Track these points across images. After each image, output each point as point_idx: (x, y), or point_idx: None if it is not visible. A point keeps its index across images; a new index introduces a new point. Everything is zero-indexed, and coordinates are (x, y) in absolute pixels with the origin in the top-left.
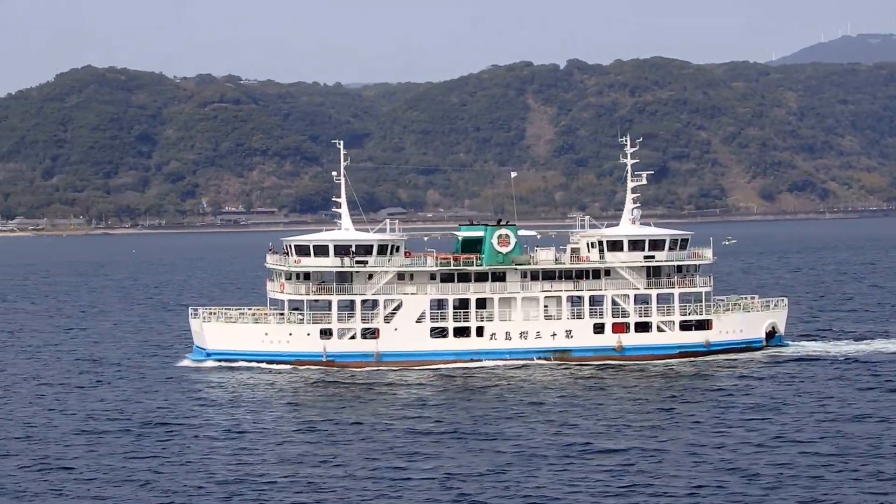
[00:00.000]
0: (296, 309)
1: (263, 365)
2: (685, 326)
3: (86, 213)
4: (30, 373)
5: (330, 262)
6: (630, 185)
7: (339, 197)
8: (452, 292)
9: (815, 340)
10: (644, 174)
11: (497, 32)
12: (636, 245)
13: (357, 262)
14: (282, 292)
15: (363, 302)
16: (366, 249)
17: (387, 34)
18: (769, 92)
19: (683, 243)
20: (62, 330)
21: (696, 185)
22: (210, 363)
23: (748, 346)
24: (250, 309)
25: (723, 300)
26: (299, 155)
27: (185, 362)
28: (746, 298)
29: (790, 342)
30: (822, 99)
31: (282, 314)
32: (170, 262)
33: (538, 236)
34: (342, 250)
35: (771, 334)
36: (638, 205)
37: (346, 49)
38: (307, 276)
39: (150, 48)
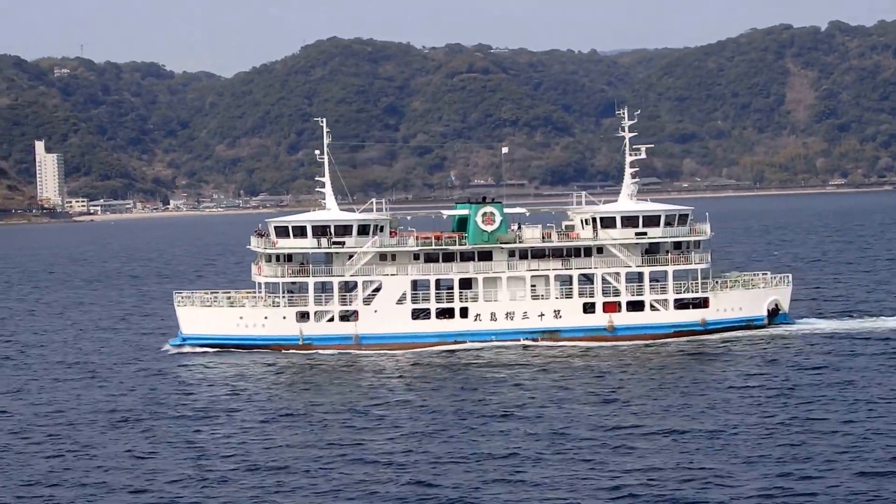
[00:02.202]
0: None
1: (238, 349)
2: (681, 305)
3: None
4: None
5: (307, 244)
6: (628, 158)
7: (322, 177)
8: (434, 272)
9: (838, 319)
10: (643, 147)
11: None
12: (629, 221)
13: (334, 242)
14: (259, 274)
15: (341, 283)
16: (345, 230)
17: None
18: None
19: (682, 219)
20: None
21: None
22: (186, 349)
23: (749, 324)
24: (227, 292)
25: (722, 278)
26: (550, 125)
27: (166, 347)
28: (747, 275)
29: (799, 320)
30: None
31: (258, 297)
32: None
33: (527, 213)
34: (320, 231)
35: (774, 312)
36: (637, 179)
37: (601, 15)
38: (289, 257)
39: (398, 18)
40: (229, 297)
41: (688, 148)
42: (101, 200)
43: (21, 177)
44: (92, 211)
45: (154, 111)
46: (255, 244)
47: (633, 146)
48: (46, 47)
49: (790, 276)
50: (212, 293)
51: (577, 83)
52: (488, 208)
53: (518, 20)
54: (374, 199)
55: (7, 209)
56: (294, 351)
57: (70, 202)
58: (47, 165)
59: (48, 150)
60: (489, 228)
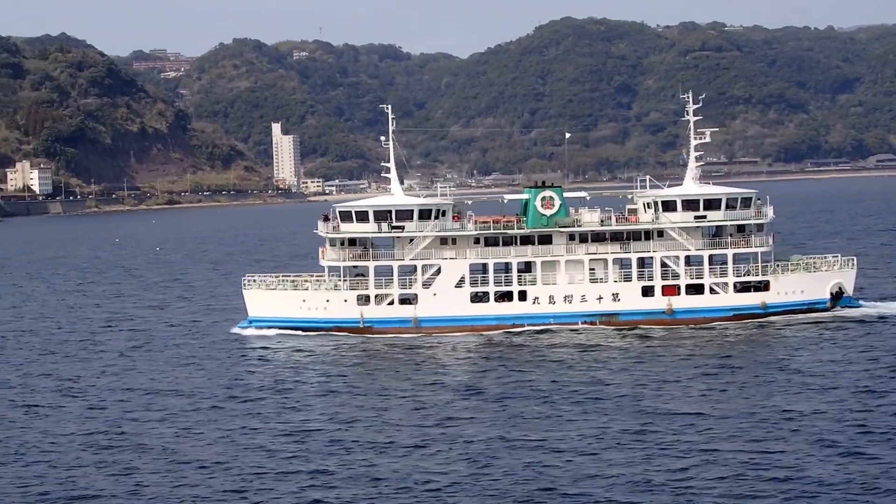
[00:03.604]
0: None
1: (301, 332)
2: (741, 288)
3: (563, 168)
4: None
5: (369, 228)
6: (693, 142)
7: (388, 161)
8: (493, 256)
9: None
10: (708, 131)
11: None
12: (689, 205)
13: (394, 227)
14: (323, 259)
15: (401, 267)
16: (406, 215)
17: None
18: None
19: (745, 202)
20: None
21: None
22: (251, 331)
23: (811, 308)
24: (290, 276)
25: (785, 261)
26: (784, 102)
27: (235, 330)
28: (809, 258)
29: (866, 303)
30: None
31: (320, 280)
32: None
33: (587, 197)
34: (381, 216)
35: (838, 295)
36: (701, 162)
37: None
38: (352, 241)
39: None
40: (293, 281)
41: None
42: (336, 181)
43: (259, 158)
44: (327, 191)
45: (390, 92)
46: (321, 229)
47: (698, 130)
48: (285, 31)
49: (854, 258)
50: (277, 276)
51: (811, 60)
52: (547, 192)
53: None
54: (438, 184)
55: (244, 190)
56: (355, 334)
57: (305, 182)
58: (284, 147)
59: (285, 131)
60: (548, 212)
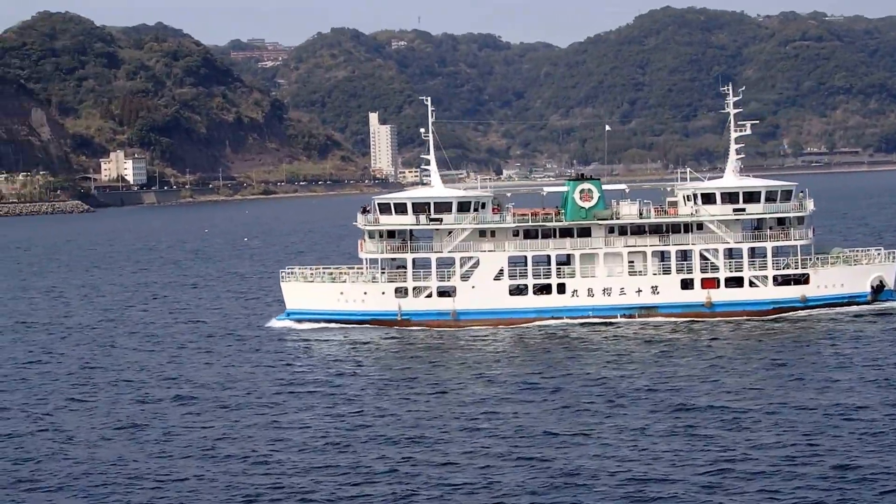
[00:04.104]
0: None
1: (339, 325)
2: (781, 281)
3: (663, 158)
4: None
5: (407, 220)
6: (733, 135)
7: (427, 154)
8: (532, 249)
9: None
10: (748, 123)
11: None
12: (729, 197)
13: (432, 219)
14: (361, 251)
15: (440, 260)
16: (444, 207)
17: None
18: None
19: (785, 195)
20: None
21: None
22: (288, 323)
23: (851, 301)
24: (328, 268)
25: (825, 254)
26: (885, 92)
27: (272, 323)
28: (850, 251)
29: None
30: None
31: (358, 273)
32: None
33: (627, 190)
34: (420, 208)
35: (879, 288)
36: (742, 155)
37: None
38: (391, 234)
39: None
40: (331, 273)
41: None
42: None
43: (356, 148)
44: (424, 181)
45: (489, 82)
46: (360, 221)
47: (739, 122)
48: (384, 20)
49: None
50: (315, 269)
51: None
52: (586, 185)
53: None
54: (478, 176)
55: (340, 179)
56: (393, 327)
57: (403, 172)
58: (381, 136)
59: (382, 121)
60: (587, 205)
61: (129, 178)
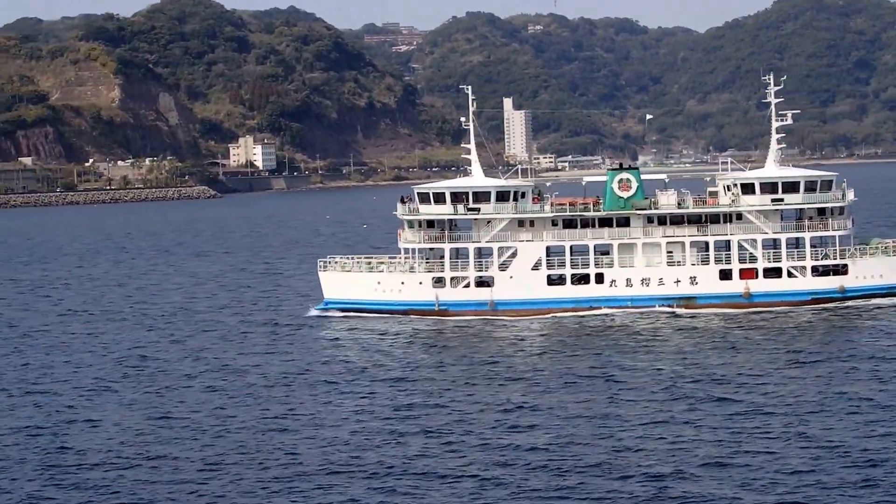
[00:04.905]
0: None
1: (377, 314)
2: (819, 272)
3: (800, 143)
4: None
5: (446, 210)
6: (775, 125)
7: (468, 143)
8: (570, 238)
9: None
10: (789, 113)
11: None
12: (768, 188)
13: (470, 209)
14: (401, 241)
15: (477, 250)
16: (483, 196)
17: None
18: None
19: (825, 185)
20: None
21: None
22: (326, 312)
23: (890, 292)
24: (366, 257)
25: (864, 245)
26: None
27: (312, 312)
28: (887, 241)
29: None
30: None
31: (396, 262)
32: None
33: (667, 179)
34: (458, 197)
35: None
36: (783, 145)
37: None
38: (430, 223)
39: None
40: (368, 263)
41: None
42: (569, 157)
43: (490, 134)
44: (559, 167)
45: (626, 67)
46: (399, 211)
47: (780, 112)
48: (520, 4)
49: None
50: (353, 258)
51: None
52: (625, 174)
53: None
54: (518, 166)
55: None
56: (430, 316)
57: (537, 158)
58: (515, 122)
59: (517, 106)
60: (625, 195)
61: (258, 163)
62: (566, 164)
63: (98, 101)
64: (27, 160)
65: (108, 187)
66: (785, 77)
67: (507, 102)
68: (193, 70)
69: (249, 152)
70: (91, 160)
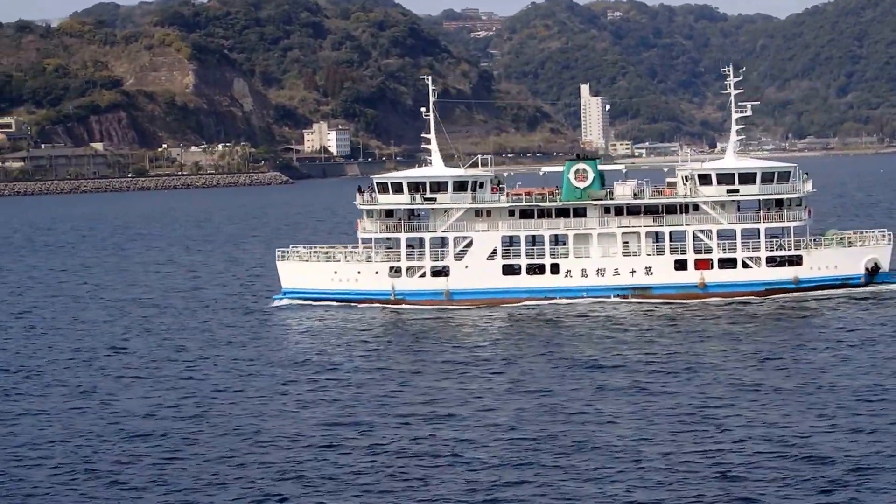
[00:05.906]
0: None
1: (334, 303)
2: (774, 262)
3: (879, 132)
4: None
5: (403, 200)
6: (734, 116)
7: (428, 133)
8: (526, 228)
9: None
10: (749, 104)
11: None
12: (724, 178)
13: (426, 199)
14: (358, 230)
15: (433, 239)
16: (440, 186)
17: None
18: None
19: (782, 177)
20: None
21: None
22: (284, 302)
23: (844, 283)
24: (323, 247)
25: (819, 236)
26: None
27: (274, 303)
28: (843, 233)
29: None
30: None
31: (352, 252)
32: None
33: (625, 170)
34: (415, 187)
35: (874, 270)
36: (742, 136)
37: None
38: (389, 213)
39: None
40: (326, 252)
41: None
42: (647, 143)
43: (567, 121)
44: (636, 154)
45: (705, 54)
46: (358, 201)
47: (738, 103)
48: None
49: (891, 234)
50: (310, 248)
51: None
52: (581, 165)
53: None
54: (479, 156)
55: (548, 152)
56: (387, 306)
57: (614, 145)
58: (592, 109)
59: (595, 93)
60: (581, 185)
61: (333, 149)
62: (643, 150)
63: (172, 87)
64: (98, 146)
65: (180, 173)
66: (865, 63)
67: (584, 89)
68: (268, 56)
69: (324, 138)
70: (164, 146)
